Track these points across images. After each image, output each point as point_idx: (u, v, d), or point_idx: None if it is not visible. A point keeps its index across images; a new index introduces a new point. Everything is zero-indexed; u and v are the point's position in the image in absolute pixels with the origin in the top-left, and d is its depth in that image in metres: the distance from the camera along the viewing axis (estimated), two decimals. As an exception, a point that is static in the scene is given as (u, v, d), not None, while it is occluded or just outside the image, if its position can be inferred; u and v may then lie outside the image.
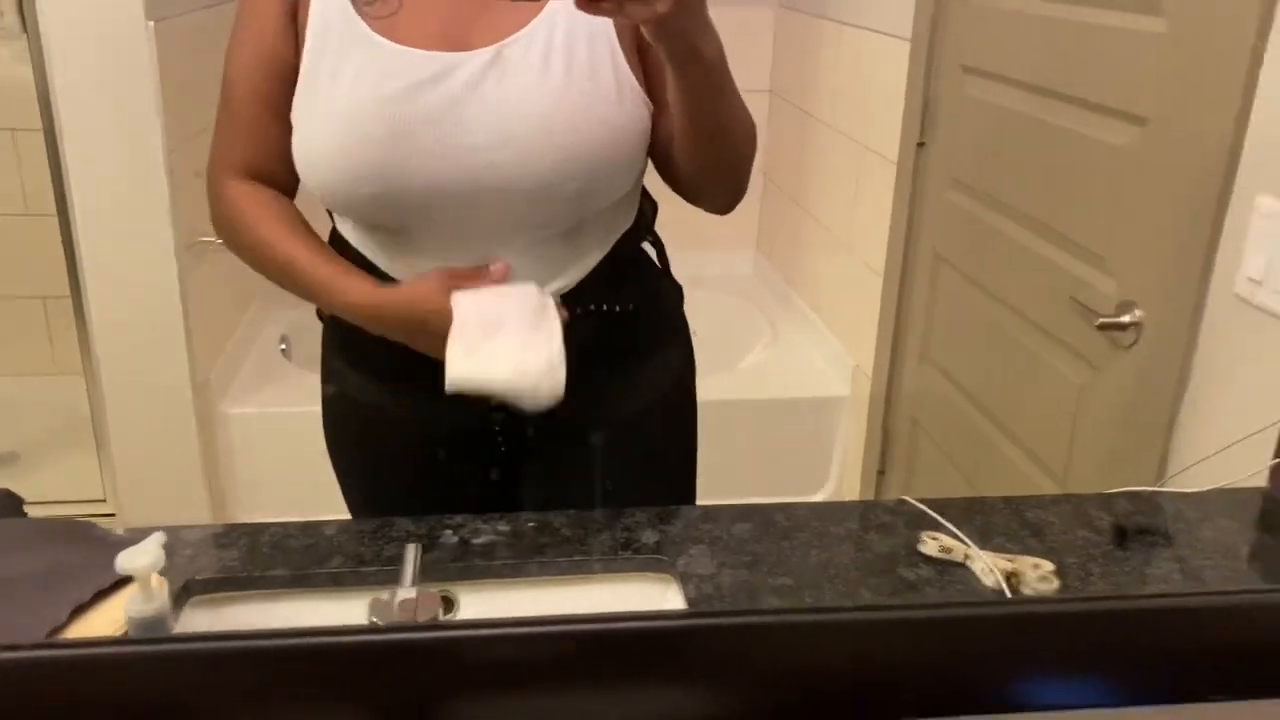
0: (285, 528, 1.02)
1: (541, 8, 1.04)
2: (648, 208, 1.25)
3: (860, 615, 0.65)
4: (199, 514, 2.28)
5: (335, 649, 0.56)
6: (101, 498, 2.35)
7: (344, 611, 0.94)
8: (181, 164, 2.08)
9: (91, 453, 2.30)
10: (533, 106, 1.03)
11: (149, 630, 0.67)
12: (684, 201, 1.16)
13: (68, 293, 2.17)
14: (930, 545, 1.00)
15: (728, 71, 0.98)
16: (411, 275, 1.09)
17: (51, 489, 2.47)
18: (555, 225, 1.09)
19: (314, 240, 1.12)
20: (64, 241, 2.11)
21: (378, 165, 1.03)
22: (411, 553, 0.72)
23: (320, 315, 1.28)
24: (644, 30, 0.89)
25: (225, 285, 2.50)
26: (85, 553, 0.92)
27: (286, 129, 1.09)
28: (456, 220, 1.06)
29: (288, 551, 0.98)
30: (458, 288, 1.05)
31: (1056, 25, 1.59)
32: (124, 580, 0.89)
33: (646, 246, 1.26)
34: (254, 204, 1.12)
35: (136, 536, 0.93)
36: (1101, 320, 1.42)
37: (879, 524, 1.05)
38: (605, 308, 1.16)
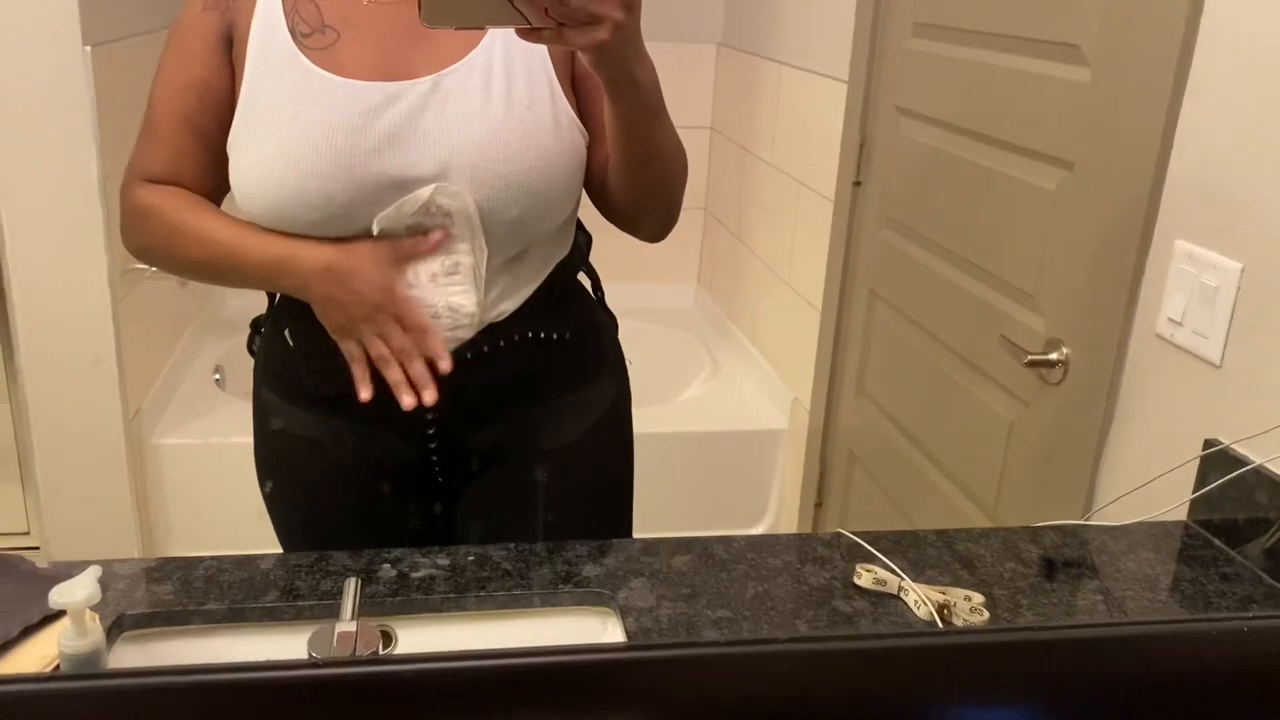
0: (220, 561, 1.00)
1: (480, 37, 1.06)
2: (582, 240, 1.27)
3: (795, 647, 0.67)
4: (128, 547, 2.23)
5: (273, 683, 0.56)
6: (25, 530, 2.29)
7: (281, 646, 0.93)
8: (116, 191, 2.05)
9: (15, 483, 2.24)
10: (472, 135, 1.04)
11: (83, 667, 0.66)
12: (625, 234, 1.19)
13: (-5, 319, 2.12)
14: (865, 577, 1.02)
15: (661, 98, 1.01)
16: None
17: (-27, 520, 2.41)
18: (499, 251, 1.10)
19: (230, 216, 1.10)
20: (-8, 267, 2.06)
21: (322, 196, 1.03)
22: (351, 586, 0.72)
23: (250, 348, 1.26)
24: (582, 57, 0.91)
25: (159, 313, 2.47)
26: (12, 587, 0.90)
27: (208, 152, 1.10)
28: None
29: (222, 586, 0.97)
30: (398, 262, 1.06)
31: (986, 70, 1.64)
32: (53, 616, 0.87)
33: (582, 278, 1.28)
34: (165, 195, 1.11)
35: (65, 570, 0.92)
36: (1030, 358, 1.46)
37: (815, 556, 1.07)
38: (542, 335, 1.18)
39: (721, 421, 2.59)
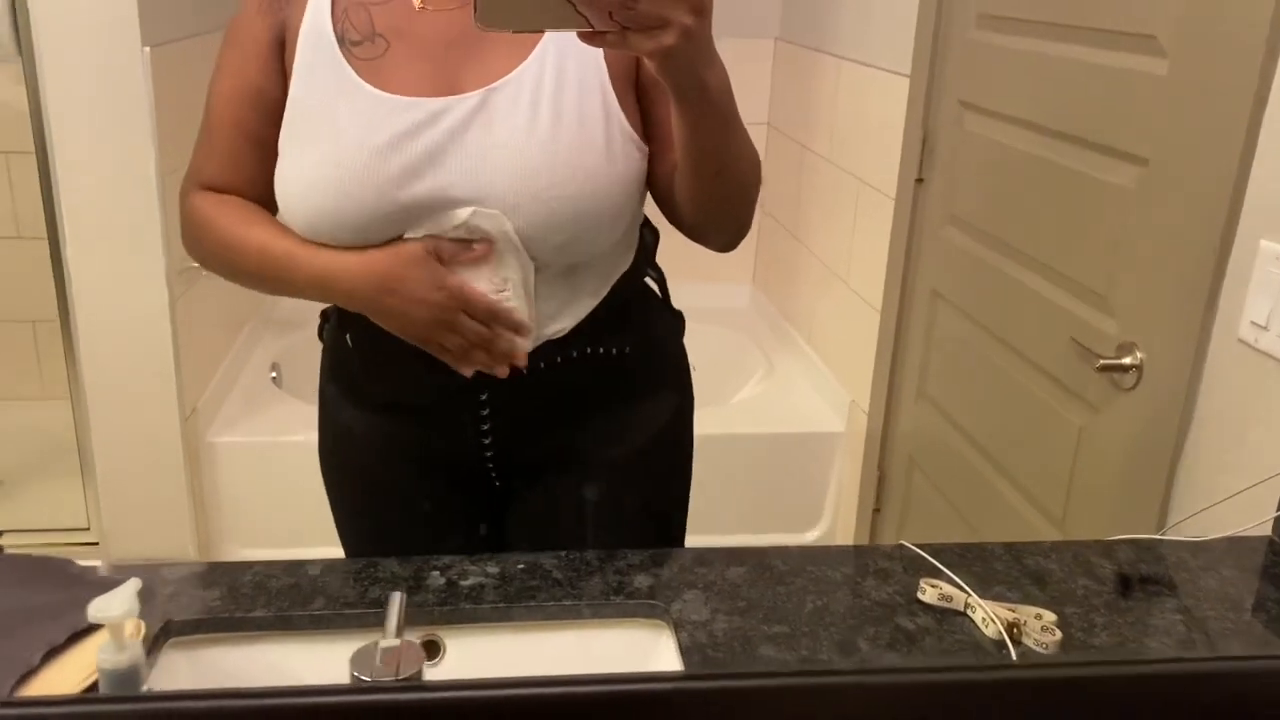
0: (268, 566, 0.99)
1: (531, 42, 1.02)
2: (649, 238, 1.22)
3: (855, 679, 0.63)
4: (183, 543, 2.25)
5: (313, 709, 0.54)
6: (85, 526, 2.31)
7: (326, 655, 0.91)
8: (174, 190, 2.06)
9: (76, 480, 2.26)
10: (516, 158, 1.00)
11: (120, 683, 0.64)
12: (678, 233, 1.15)
13: (56, 317, 2.15)
14: (930, 593, 0.97)
15: (734, 104, 0.94)
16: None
17: (35, 516, 2.44)
18: (550, 268, 1.07)
19: (284, 227, 1.08)
20: (54, 265, 2.09)
21: (360, 218, 1.02)
22: (396, 601, 0.70)
23: (320, 335, 1.26)
24: (649, 63, 0.86)
25: (216, 311, 2.48)
26: (61, 591, 0.89)
27: (262, 156, 1.08)
28: None
29: (269, 592, 0.95)
30: (444, 254, 1.03)
31: (1055, 63, 1.58)
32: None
33: (649, 280, 1.24)
34: (221, 204, 1.10)
35: (114, 576, 0.91)
36: (1102, 362, 1.41)
37: (876, 570, 1.03)
38: (601, 351, 1.14)
39: (777, 424, 2.55)
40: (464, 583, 0.98)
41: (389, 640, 0.66)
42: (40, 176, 2.02)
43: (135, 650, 0.66)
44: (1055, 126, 1.59)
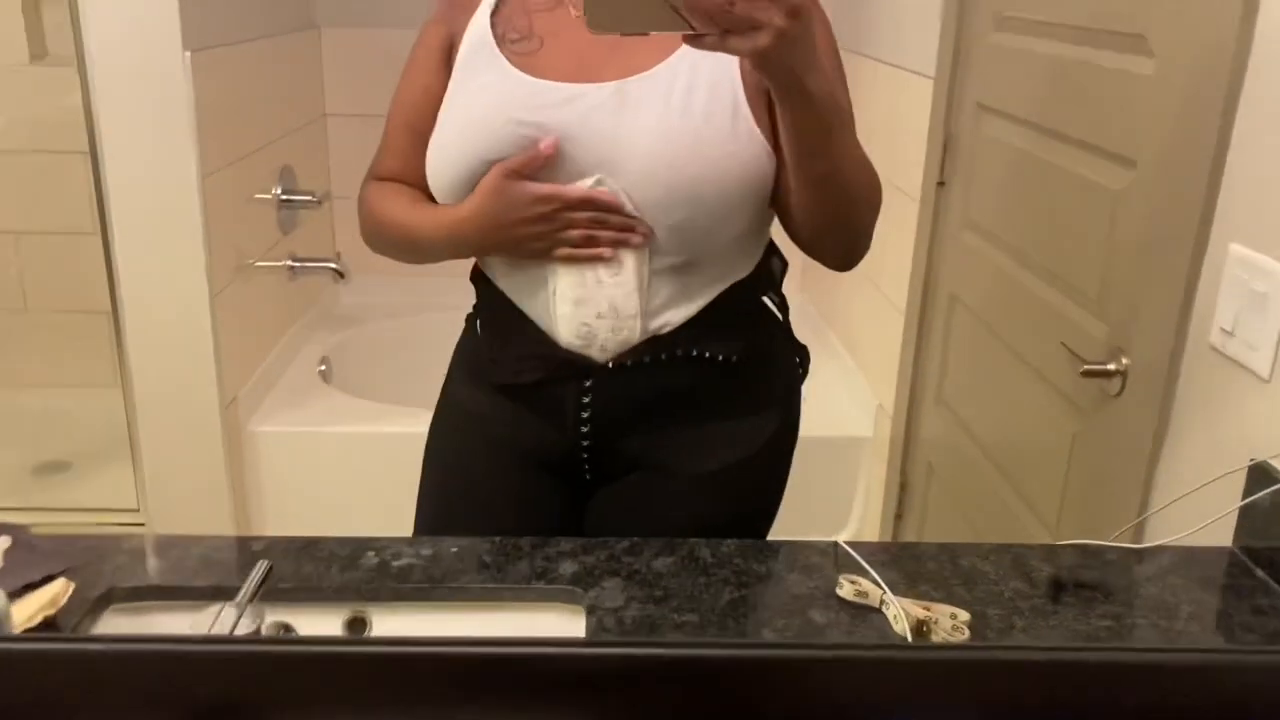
0: (217, 541, 1.04)
1: (672, 47, 1.08)
2: (777, 265, 1.25)
3: (695, 652, 0.65)
4: (223, 526, 2.34)
5: (153, 655, 0.58)
6: (135, 508, 2.43)
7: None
8: (215, 188, 2.16)
9: (127, 463, 2.38)
10: (642, 140, 1.06)
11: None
12: None
13: (109, 308, 2.26)
14: (847, 589, 0.98)
15: (841, 114, 0.97)
16: (523, 279, 1.17)
17: (95, 498, 2.58)
18: (663, 257, 1.11)
19: (428, 201, 1.19)
20: (106, 260, 2.20)
21: (488, 165, 1.09)
22: (258, 572, 0.74)
23: (472, 316, 1.31)
24: (750, 64, 0.89)
25: (264, 305, 2.58)
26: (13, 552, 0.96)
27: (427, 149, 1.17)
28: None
29: (213, 565, 1.01)
30: (517, 175, 1.09)
31: (1061, 64, 1.56)
32: (46, 579, 0.93)
33: (770, 304, 1.25)
34: (381, 190, 1.23)
35: (54, 544, 0.97)
36: (1086, 367, 1.38)
37: (804, 565, 1.04)
38: (707, 355, 1.17)
39: (807, 427, 2.53)
40: (396, 563, 1.02)
41: (232, 607, 0.70)
42: (93, 176, 2.13)
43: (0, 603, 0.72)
44: (1057, 128, 1.57)
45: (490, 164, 1.09)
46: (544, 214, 1.09)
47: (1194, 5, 1.22)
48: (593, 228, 1.10)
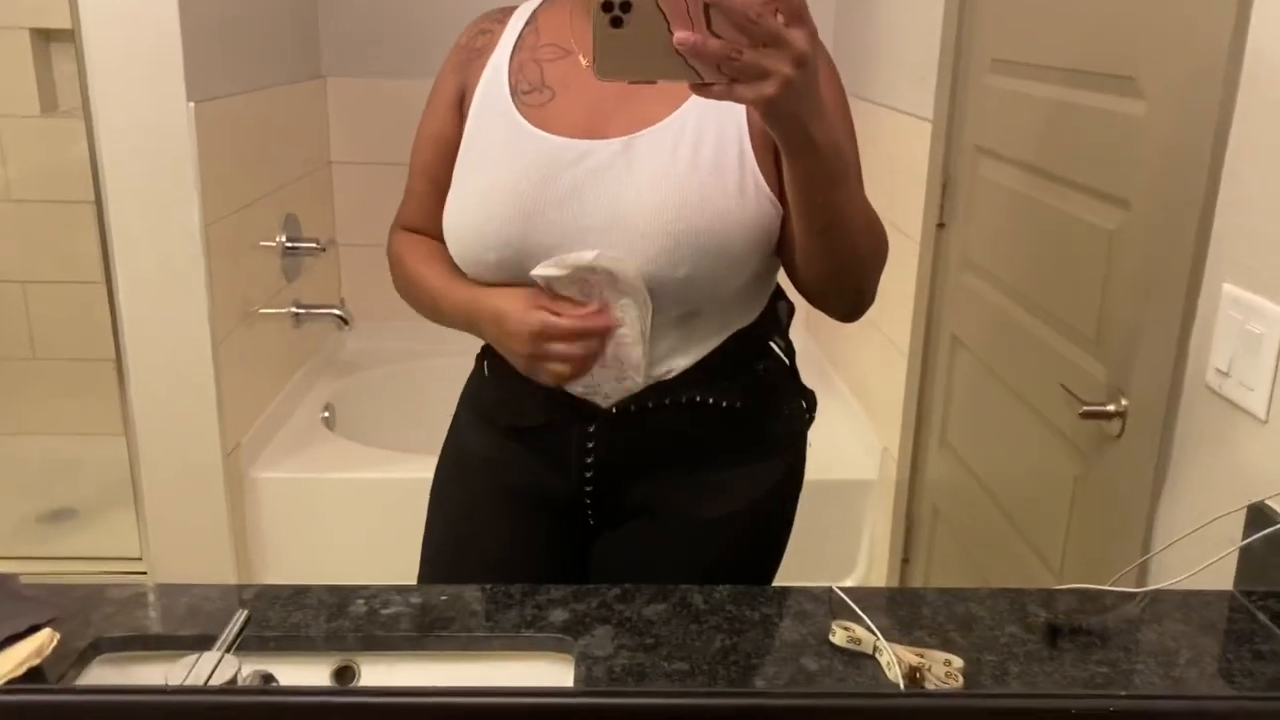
0: (206, 589, 1.04)
1: (681, 97, 1.09)
2: (783, 311, 1.26)
3: (679, 701, 0.64)
4: (225, 574, 2.34)
5: (123, 706, 0.57)
6: (138, 556, 2.42)
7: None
8: (218, 236, 2.18)
9: (130, 511, 2.38)
10: (650, 195, 1.07)
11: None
12: None
13: (114, 356, 2.27)
14: (840, 635, 0.96)
15: (845, 163, 0.96)
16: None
17: (99, 546, 2.57)
18: (668, 308, 1.11)
19: (452, 268, 1.20)
20: (110, 308, 2.22)
21: (501, 237, 1.10)
22: (238, 619, 0.73)
23: (480, 355, 1.32)
24: (756, 112, 0.89)
25: (267, 352, 2.59)
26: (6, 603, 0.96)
27: (445, 198, 1.18)
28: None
29: (200, 614, 1.00)
30: (541, 306, 1.11)
31: (1053, 106, 1.56)
32: (32, 630, 0.92)
33: (777, 349, 1.25)
34: (407, 244, 1.26)
35: (42, 594, 0.97)
36: (1084, 408, 1.37)
37: (797, 611, 1.02)
38: (710, 401, 1.17)
39: (812, 470, 2.51)
40: (384, 611, 1.01)
41: (211, 656, 0.69)
42: (98, 224, 2.15)
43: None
44: (1052, 169, 1.57)
45: (499, 218, 1.10)
46: (531, 335, 1.10)
47: (1182, 47, 1.22)
48: (573, 359, 1.11)
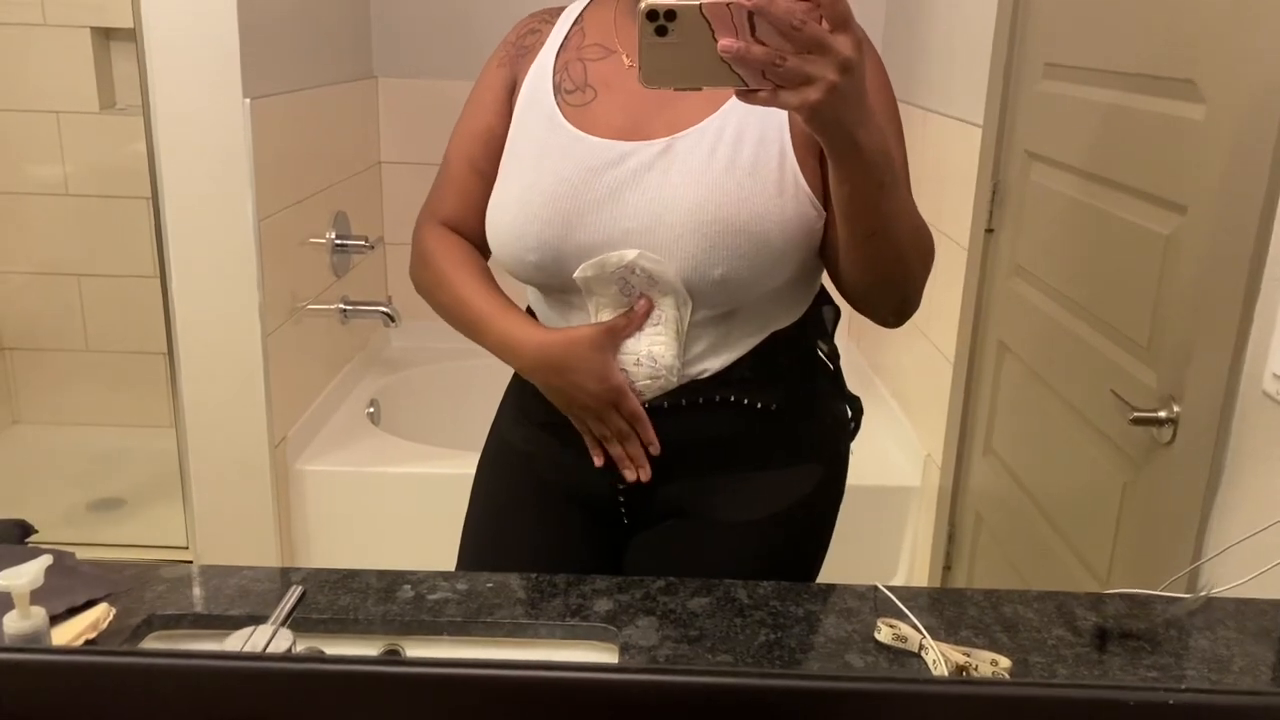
0: (254, 571, 1.05)
1: (722, 99, 1.09)
2: (829, 313, 1.25)
3: (733, 681, 0.64)
4: (269, 564, 2.36)
5: (181, 670, 0.58)
6: (185, 545, 2.46)
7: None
8: (270, 232, 2.21)
9: (178, 502, 2.42)
10: (688, 194, 1.07)
11: (22, 645, 0.71)
12: None
13: (165, 349, 2.31)
14: (885, 633, 0.96)
15: (893, 169, 0.95)
16: (563, 323, 1.18)
17: (146, 534, 2.62)
18: (705, 308, 1.12)
19: (489, 282, 1.21)
20: (163, 301, 2.26)
21: (541, 239, 1.11)
22: (293, 594, 0.74)
23: None
24: (800, 118, 0.87)
25: (315, 347, 2.62)
26: (63, 578, 0.98)
27: (487, 189, 1.19)
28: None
29: (250, 595, 1.01)
30: (613, 345, 1.13)
31: (1107, 111, 1.55)
32: (89, 604, 0.94)
33: (820, 353, 1.24)
34: (443, 244, 1.24)
35: (98, 571, 0.99)
36: (1135, 414, 1.35)
37: (843, 608, 1.02)
38: (746, 402, 1.17)
39: (854, 476, 2.50)
40: (431, 596, 1.02)
41: (266, 628, 0.70)
42: (154, 220, 2.19)
43: (38, 620, 0.73)
44: (1105, 174, 1.55)
45: (541, 220, 1.10)
46: (599, 398, 1.13)
47: (1244, 50, 1.21)
48: (617, 437, 1.16)
